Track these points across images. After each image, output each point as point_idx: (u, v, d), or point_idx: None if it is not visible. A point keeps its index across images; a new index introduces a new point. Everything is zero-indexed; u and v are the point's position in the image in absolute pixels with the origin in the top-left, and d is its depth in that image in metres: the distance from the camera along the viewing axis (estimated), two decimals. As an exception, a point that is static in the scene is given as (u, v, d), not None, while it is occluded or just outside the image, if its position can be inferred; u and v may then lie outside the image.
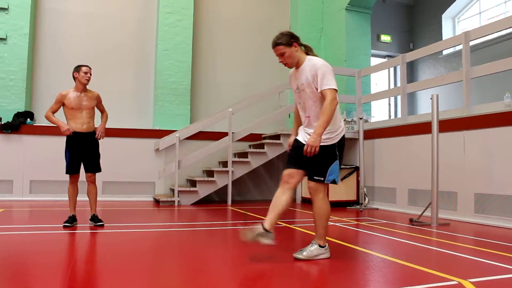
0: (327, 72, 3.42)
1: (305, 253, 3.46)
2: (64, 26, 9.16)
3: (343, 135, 3.57)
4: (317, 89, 3.42)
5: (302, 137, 3.59)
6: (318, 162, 3.44)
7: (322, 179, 3.45)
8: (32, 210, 6.89)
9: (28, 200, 8.00)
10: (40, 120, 8.60)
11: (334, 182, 3.51)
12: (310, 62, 3.49)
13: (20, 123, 8.19)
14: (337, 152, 3.49)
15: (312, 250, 3.48)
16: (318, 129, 3.31)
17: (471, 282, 2.81)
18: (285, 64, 3.58)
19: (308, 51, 3.63)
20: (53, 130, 8.12)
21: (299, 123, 3.81)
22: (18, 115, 8.23)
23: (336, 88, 3.41)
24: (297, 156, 3.54)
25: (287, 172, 3.55)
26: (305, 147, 3.32)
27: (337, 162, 3.48)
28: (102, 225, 5.20)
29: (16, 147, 8.18)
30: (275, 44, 3.51)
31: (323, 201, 3.50)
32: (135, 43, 9.67)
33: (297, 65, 3.57)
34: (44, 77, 8.96)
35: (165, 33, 9.46)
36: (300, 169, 3.53)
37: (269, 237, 3.37)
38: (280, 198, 3.53)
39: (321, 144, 3.37)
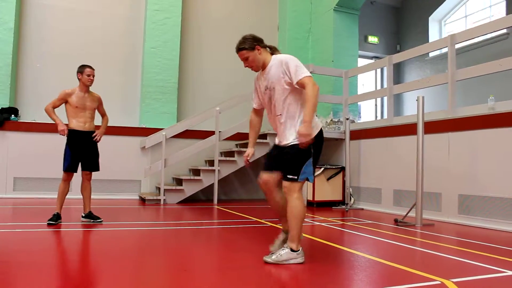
0: (298, 63, 3.42)
1: (274, 257, 3.33)
2: (50, 21, 9.05)
3: (321, 132, 3.49)
4: (289, 83, 3.39)
5: (278, 140, 3.56)
6: (291, 161, 3.35)
7: (296, 177, 3.33)
8: (15, 207, 6.80)
9: (12, 198, 7.89)
10: (25, 117, 8.49)
11: (307, 180, 3.41)
12: (277, 59, 3.47)
13: (4, 119, 8.07)
14: (312, 150, 3.38)
15: (282, 254, 3.33)
16: (306, 116, 3.25)
17: (454, 282, 2.84)
18: (251, 68, 3.55)
19: (274, 51, 3.61)
20: (38, 127, 8.05)
21: (255, 132, 3.82)
22: (2, 111, 8.10)
23: (310, 75, 3.37)
24: (270, 161, 3.58)
25: (261, 181, 3.56)
26: (299, 140, 3.25)
27: (310, 160, 3.37)
28: (101, 222, 5.22)
29: (0, 144, 8.06)
30: (238, 49, 3.51)
31: (298, 201, 3.33)
32: (122, 40, 9.59)
33: (263, 66, 3.54)
34: (29, 73, 8.84)
35: (152, 30, 9.41)
36: (273, 171, 3.50)
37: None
38: (280, 204, 3.57)
39: (294, 142, 3.34)
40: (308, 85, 3.29)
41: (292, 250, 3.35)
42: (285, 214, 3.46)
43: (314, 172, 3.46)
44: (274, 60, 3.49)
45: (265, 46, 3.55)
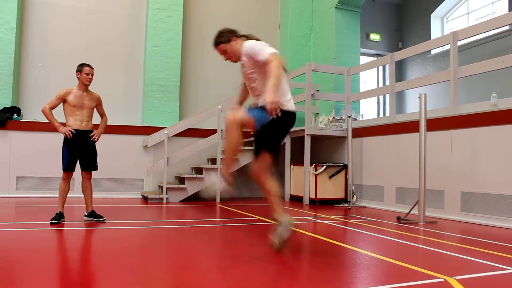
0: (257, 44, 3.45)
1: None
2: (52, 20, 9.06)
3: (290, 113, 3.52)
4: (257, 62, 3.42)
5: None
6: (255, 137, 3.51)
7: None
8: (18, 206, 6.82)
9: (15, 197, 7.92)
10: (27, 116, 8.51)
11: (253, 121, 3.41)
12: (243, 48, 3.54)
13: (7, 118, 8.09)
14: (279, 123, 3.38)
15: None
16: (269, 86, 3.24)
17: (457, 280, 2.84)
18: (231, 60, 3.62)
19: (249, 38, 3.65)
20: (40, 127, 8.06)
21: (242, 95, 3.94)
22: (4, 111, 8.13)
23: (275, 51, 3.38)
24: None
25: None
26: (268, 108, 3.20)
27: (269, 118, 3.32)
28: (104, 220, 5.22)
29: (3, 143, 8.08)
30: (215, 44, 3.58)
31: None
32: (124, 38, 9.60)
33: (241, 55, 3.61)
34: (31, 72, 8.86)
35: (154, 29, 9.41)
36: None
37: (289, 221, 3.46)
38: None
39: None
40: (271, 62, 3.31)
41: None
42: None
43: (267, 132, 3.47)
44: (243, 48, 3.55)
45: (239, 36, 3.61)
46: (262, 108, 3.36)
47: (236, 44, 3.56)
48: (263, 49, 3.40)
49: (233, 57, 3.59)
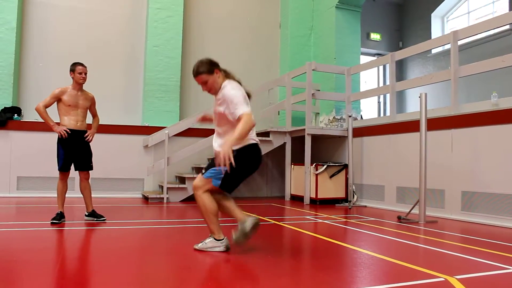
0: (236, 98, 3.38)
1: (200, 245, 3.63)
2: (52, 20, 9.07)
3: (253, 147, 3.55)
4: (230, 111, 3.39)
5: (214, 147, 3.63)
6: (211, 162, 3.57)
7: (203, 171, 3.56)
8: (19, 206, 6.82)
9: (15, 197, 7.92)
10: (28, 116, 8.51)
11: (213, 182, 3.51)
12: (222, 90, 3.49)
13: (7, 118, 8.10)
14: (234, 164, 3.26)
15: (206, 242, 3.62)
16: (230, 140, 3.25)
17: (458, 279, 2.84)
18: (209, 91, 3.54)
19: (227, 75, 3.61)
20: (41, 126, 8.05)
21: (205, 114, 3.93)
22: (5, 111, 8.13)
23: (248, 110, 3.35)
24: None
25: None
26: (219, 158, 3.22)
27: (220, 169, 3.41)
28: (104, 220, 5.22)
29: (3, 143, 8.08)
30: (197, 73, 3.48)
31: (202, 198, 3.53)
32: (125, 38, 9.60)
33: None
34: (32, 72, 8.87)
35: (154, 29, 9.42)
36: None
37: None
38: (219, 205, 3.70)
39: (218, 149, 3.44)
40: (242, 118, 3.29)
41: (215, 239, 3.61)
42: (223, 210, 3.71)
43: (226, 183, 3.53)
44: (222, 88, 3.50)
45: (220, 70, 3.55)
46: (213, 163, 3.51)
47: (218, 78, 3.49)
48: (239, 107, 3.34)
49: (213, 89, 3.53)
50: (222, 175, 3.47)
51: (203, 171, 3.58)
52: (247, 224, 3.53)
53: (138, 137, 8.87)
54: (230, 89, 3.46)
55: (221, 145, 3.45)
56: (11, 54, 8.38)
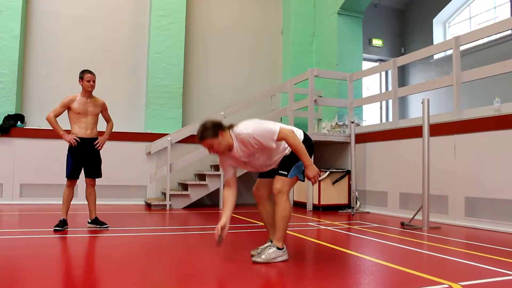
0: (260, 128, 3.38)
1: (263, 257, 3.45)
2: (55, 28, 9.12)
3: (310, 141, 3.65)
4: (267, 146, 3.40)
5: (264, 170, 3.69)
6: (283, 161, 3.55)
7: (286, 173, 3.50)
8: (22, 214, 6.83)
9: (18, 204, 7.93)
10: (31, 123, 8.54)
11: (298, 179, 3.59)
12: (241, 138, 3.42)
13: (11, 126, 8.12)
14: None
15: (270, 253, 3.47)
16: (306, 162, 3.39)
17: (462, 286, 2.82)
18: (217, 153, 3.53)
19: (230, 128, 3.54)
20: (44, 134, 8.08)
21: (231, 205, 3.72)
22: (8, 118, 8.16)
23: (278, 127, 3.37)
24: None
25: (255, 189, 3.78)
26: (312, 181, 3.41)
27: (300, 163, 3.50)
28: (107, 227, 5.23)
29: (6, 150, 8.10)
30: (202, 139, 3.42)
31: (287, 203, 3.52)
32: (127, 46, 9.65)
33: (229, 148, 3.49)
34: (35, 79, 8.91)
35: (157, 36, 9.45)
36: (267, 178, 3.69)
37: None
38: (270, 214, 3.71)
39: (285, 155, 3.54)
40: (286, 138, 3.38)
41: (278, 248, 3.50)
42: (273, 223, 3.60)
43: (304, 174, 3.55)
44: (238, 140, 3.45)
45: (225, 129, 3.48)
46: (287, 162, 3.53)
47: (223, 140, 3.42)
48: (269, 128, 3.37)
49: (221, 151, 3.49)
50: (302, 169, 3.53)
51: (283, 172, 3.52)
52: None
53: (141, 144, 8.88)
54: (243, 131, 3.41)
55: (306, 174, 3.44)
56: (14, 61, 8.42)
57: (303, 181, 3.65)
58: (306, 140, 3.61)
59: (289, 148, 3.49)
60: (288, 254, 3.58)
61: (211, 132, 3.39)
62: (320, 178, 7.84)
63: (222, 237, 3.47)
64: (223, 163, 3.65)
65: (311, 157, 3.54)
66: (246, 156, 3.50)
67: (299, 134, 3.60)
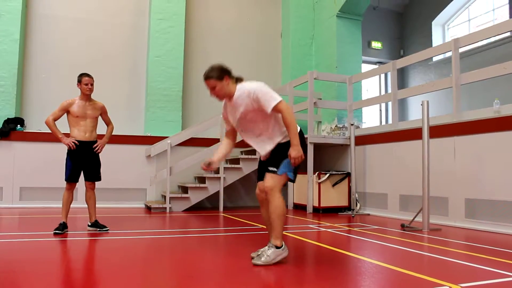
0: (265, 90, 3.44)
1: (263, 259, 3.42)
2: (55, 31, 9.14)
3: (302, 135, 3.58)
4: (260, 110, 3.44)
5: (260, 152, 3.66)
6: (272, 156, 3.54)
7: (275, 169, 3.46)
8: (22, 217, 6.82)
9: (18, 207, 7.92)
10: (31, 126, 8.55)
11: (288, 178, 3.53)
12: (243, 90, 3.50)
13: (10, 129, 8.13)
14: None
15: (269, 254, 3.44)
16: (293, 140, 3.39)
17: (462, 287, 2.82)
18: (217, 97, 3.58)
19: (239, 80, 3.64)
20: (44, 137, 8.09)
21: (226, 150, 3.83)
22: (8, 121, 8.17)
23: (280, 99, 3.43)
24: (260, 170, 3.72)
25: (258, 190, 3.73)
26: (292, 161, 3.40)
27: (288, 160, 3.47)
28: (107, 230, 5.22)
29: (6, 154, 8.11)
30: (206, 77, 3.53)
31: (280, 200, 3.47)
32: (127, 49, 9.66)
33: (229, 96, 3.58)
34: (35, 83, 8.92)
35: (156, 39, 9.47)
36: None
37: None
38: (266, 215, 3.69)
39: (280, 142, 3.52)
40: (283, 111, 3.40)
41: (277, 247, 3.47)
42: (272, 224, 3.57)
43: (295, 172, 3.56)
44: (239, 91, 3.53)
45: (232, 78, 3.59)
46: (277, 157, 3.50)
47: (227, 85, 3.52)
48: (271, 97, 3.41)
49: (220, 95, 3.57)
50: (293, 167, 3.51)
51: (272, 168, 3.49)
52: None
53: (141, 147, 8.88)
54: (249, 84, 3.51)
55: (289, 153, 3.42)
56: (14, 65, 8.44)
57: (294, 181, 3.61)
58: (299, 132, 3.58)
59: (281, 133, 3.50)
60: (288, 249, 3.58)
61: (217, 73, 3.51)
62: (320, 180, 7.86)
63: (208, 164, 3.63)
64: (225, 114, 3.76)
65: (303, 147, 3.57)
66: (241, 112, 3.53)
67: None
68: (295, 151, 3.38)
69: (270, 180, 3.48)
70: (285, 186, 3.69)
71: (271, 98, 3.40)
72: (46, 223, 5.91)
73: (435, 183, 6.13)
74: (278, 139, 3.54)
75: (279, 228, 3.50)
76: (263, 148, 3.60)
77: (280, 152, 3.51)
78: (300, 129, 3.59)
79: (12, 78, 8.40)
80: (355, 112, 8.98)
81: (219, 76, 3.49)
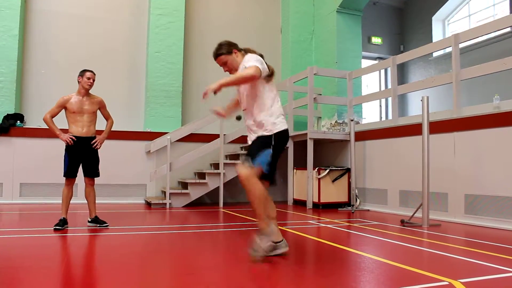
0: (249, 57, 3.55)
1: (259, 253, 3.37)
2: (54, 27, 9.11)
3: (284, 132, 3.58)
4: (252, 86, 3.58)
5: (249, 137, 3.71)
6: (251, 147, 3.57)
7: (250, 158, 3.41)
8: (22, 213, 6.83)
9: (18, 203, 7.93)
10: (30, 122, 8.54)
11: (261, 170, 3.41)
12: (244, 59, 3.64)
13: (10, 125, 8.11)
14: (273, 144, 3.49)
15: (260, 245, 3.38)
16: (223, 79, 3.35)
17: (462, 283, 2.82)
18: (230, 72, 3.70)
19: (249, 51, 3.74)
20: (44, 133, 8.08)
21: (233, 104, 4.12)
22: (7, 117, 8.15)
23: (257, 65, 3.44)
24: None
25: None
26: (206, 89, 3.34)
27: (269, 151, 3.45)
28: (107, 226, 5.23)
29: (6, 150, 8.10)
30: (216, 55, 3.69)
31: (256, 185, 3.35)
32: (126, 45, 9.64)
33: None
34: (34, 79, 8.90)
35: (156, 35, 9.44)
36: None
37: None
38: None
39: (260, 134, 3.54)
40: (248, 68, 3.44)
41: (262, 234, 3.40)
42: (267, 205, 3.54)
43: (270, 166, 3.48)
44: (243, 61, 3.65)
45: (240, 50, 3.73)
46: (257, 145, 3.51)
47: (237, 57, 3.68)
48: (251, 61, 3.49)
49: (233, 69, 3.69)
50: (270, 161, 3.45)
51: (246, 157, 3.43)
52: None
53: (140, 142, 8.88)
54: (247, 56, 3.62)
55: (253, 136, 3.54)
56: (13, 61, 8.42)
57: (267, 176, 3.50)
58: (281, 135, 3.57)
59: (267, 122, 3.53)
60: (288, 245, 3.60)
61: (226, 49, 3.67)
62: (320, 176, 7.87)
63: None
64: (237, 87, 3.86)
65: (280, 150, 3.59)
66: (241, 87, 3.70)
67: (280, 119, 3.61)
68: (215, 84, 3.32)
69: (244, 170, 3.38)
70: (285, 182, 3.71)
71: (248, 63, 3.49)
72: (46, 219, 5.92)
73: (434, 178, 6.13)
74: (261, 131, 3.55)
75: (258, 211, 3.39)
76: (250, 138, 3.70)
77: (260, 143, 3.51)
78: (285, 130, 3.59)
79: (11, 74, 8.38)
80: (355, 108, 8.97)
81: (228, 51, 3.66)
